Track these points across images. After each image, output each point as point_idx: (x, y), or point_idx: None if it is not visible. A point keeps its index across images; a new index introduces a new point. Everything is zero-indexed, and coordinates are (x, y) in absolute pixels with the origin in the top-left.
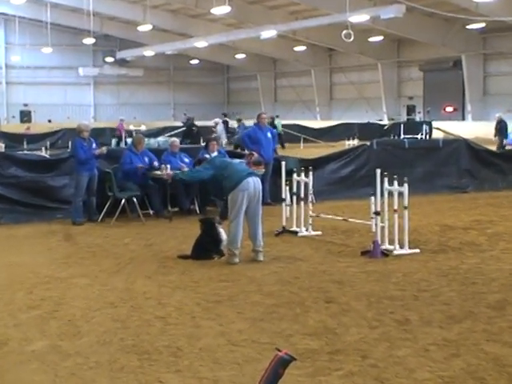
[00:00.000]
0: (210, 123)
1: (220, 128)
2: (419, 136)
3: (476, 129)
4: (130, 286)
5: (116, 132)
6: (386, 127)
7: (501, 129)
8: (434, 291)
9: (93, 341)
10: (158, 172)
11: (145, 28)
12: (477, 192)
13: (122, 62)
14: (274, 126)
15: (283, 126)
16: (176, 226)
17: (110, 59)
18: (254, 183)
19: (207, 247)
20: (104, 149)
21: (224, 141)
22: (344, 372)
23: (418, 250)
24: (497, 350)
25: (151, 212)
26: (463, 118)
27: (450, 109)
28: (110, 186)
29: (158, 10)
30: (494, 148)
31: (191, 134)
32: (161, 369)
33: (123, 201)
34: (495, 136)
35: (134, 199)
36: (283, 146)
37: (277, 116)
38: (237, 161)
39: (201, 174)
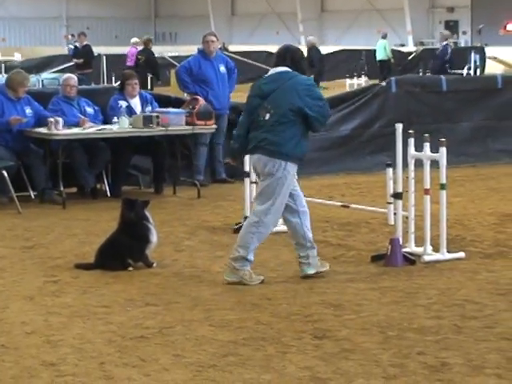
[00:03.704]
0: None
1: None
2: (465, 71)
3: None
4: (0, 314)
5: (127, 62)
6: (411, 57)
7: None
8: (488, 319)
9: None
10: (44, 130)
11: None
12: None
13: None
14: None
15: (246, 54)
16: (73, 215)
17: None
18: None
19: (124, 250)
20: None
21: None
22: None
23: (462, 254)
24: None
25: (32, 194)
26: None
27: None
28: None
29: None
30: None
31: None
32: None
33: None
34: None
35: (5, 173)
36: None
37: (383, 37)
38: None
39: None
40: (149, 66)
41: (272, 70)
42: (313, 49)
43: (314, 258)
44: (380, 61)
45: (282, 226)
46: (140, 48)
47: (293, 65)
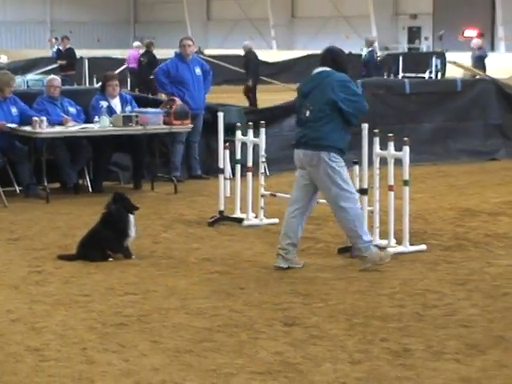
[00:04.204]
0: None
1: None
2: (427, 75)
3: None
4: None
5: (127, 64)
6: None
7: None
8: (448, 307)
9: None
10: (29, 128)
11: None
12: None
13: None
14: (254, 56)
15: (221, 58)
16: (56, 209)
17: None
18: None
19: (104, 243)
20: None
21: None
22: None
23: (423, 247)
24: None
25: (18, 189)
26: (492, 48)
27: (471, 33)
28: None
29: None
30: None
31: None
32: None
33: None
34: None
35: None
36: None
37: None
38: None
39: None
40: (151, 68)
41: (314, 71)
42: (250, 53)
43: (292, 255)
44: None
45: (253, 221)
46: (142, 51)
47: (334, 65)
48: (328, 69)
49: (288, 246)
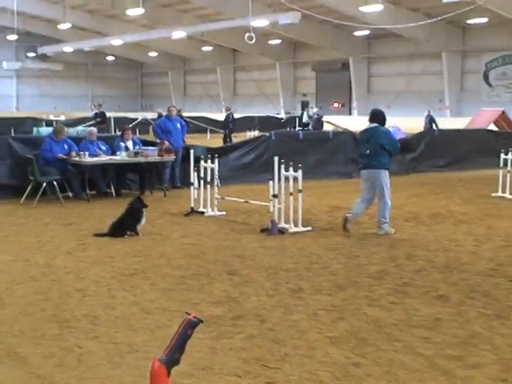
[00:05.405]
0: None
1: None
2: (312, 128)
3: (360, 122)
4: (51, 262)
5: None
6: (282, 120)
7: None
8: (323, 263)
9: (16, 311)
10: (77, 158)
11: (64, 26)
12: (360, 177)
13: (43, 57)
14: (183, 117)
15: (192, 118)
16: (93, 207)
17: (31, 54)
18: None
19: (126, 226)
20: None
21: None
22: (245, 335)
23: (310, 228)
24: (376, 313)
25: (70, 194)
26: (350, 113)
27: (337, 105)
28: (32, 171)
29: (77, 10)
30: None
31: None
32: (80, 335)
33: (44, 184)
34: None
35: (55, 183)
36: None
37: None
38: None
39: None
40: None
41: (368, 125)
42: (160, 116)
43: (385, 226)
44: (302, 123)
45: (211, 213)
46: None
47: (379, 121)
48: (376, 124)
49: (352, 219)
